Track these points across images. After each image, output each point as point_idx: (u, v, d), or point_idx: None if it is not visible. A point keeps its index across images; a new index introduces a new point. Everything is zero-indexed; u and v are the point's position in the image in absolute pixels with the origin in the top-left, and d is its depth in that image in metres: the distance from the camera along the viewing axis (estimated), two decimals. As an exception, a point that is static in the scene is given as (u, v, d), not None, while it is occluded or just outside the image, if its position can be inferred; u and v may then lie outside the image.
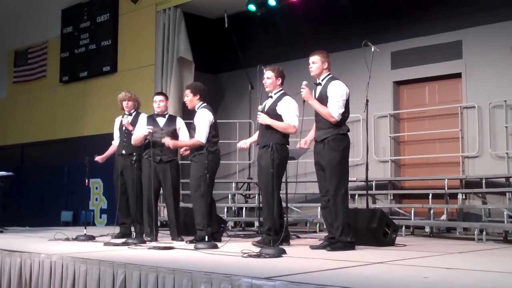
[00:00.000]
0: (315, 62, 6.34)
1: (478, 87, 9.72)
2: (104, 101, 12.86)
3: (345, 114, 6.25)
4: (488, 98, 9.51)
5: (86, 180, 8.05)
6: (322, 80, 6.33)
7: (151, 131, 7.46)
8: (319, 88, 6.34)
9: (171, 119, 7.85)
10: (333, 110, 6.11)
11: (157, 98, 7.83)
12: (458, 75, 10.01)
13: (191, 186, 7.23)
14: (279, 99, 6.77)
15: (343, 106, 6.18)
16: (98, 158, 8.30)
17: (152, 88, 11.82)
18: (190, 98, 7.42)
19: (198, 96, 7.40)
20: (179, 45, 11.86)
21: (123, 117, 8.13)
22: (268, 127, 6.67)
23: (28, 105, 15.28)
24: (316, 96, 6.30)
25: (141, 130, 7.62)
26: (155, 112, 7.79)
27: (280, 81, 6.85)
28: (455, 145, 9.93)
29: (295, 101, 6.76)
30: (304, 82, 6.25)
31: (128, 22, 12.96)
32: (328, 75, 6.35)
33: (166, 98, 7.98)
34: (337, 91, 6.17)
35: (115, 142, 8.30)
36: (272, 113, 6.71)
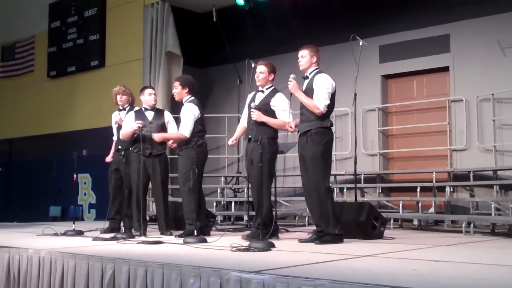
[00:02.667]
0: (304, 56, 6.34)
1: (465, 80, 9.76)
2: (92, 96, 12.81)
3: (330, 108, 6.24)
4: (476, 91, 9.56)
5: (75, 175, 8.02)
6: (310, 74, 6.33)
7: (141, 125, 7.42)
8: (306, 82, 6.34)
9: (159, 113, 7.82)
10: (319, 102, 6.10)
11: (152, 91, 7.81)
12: (445, 69, 10.06)
13: (180, 181, 7.21)
14: (271, 94, 6.79)
15: (329, 98, 6.16)
16: (107, 159, 8.26)
17: (141, 83, 11.78)
18: (178, 91, 7.38)
19: (187, 89, 7.35)
20: (167, 39, 11.82)
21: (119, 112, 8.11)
22: (261, 123, 6.68)
23: (15, 100, 15.19)
24: (303, 90, 6.28)
25: (129, 125, 7.58)
26: (147, 106, 7.74)
27: (272, 76, 6.88)
28: (443, 138, 9.98)
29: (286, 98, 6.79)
30: (292, 75, 6.24)
31: (116, 17, 12.90)
32: (316, 69, 6.34)
33: None
34: (323, 84, 6.16)
35: (115, 137, 8.26)
36: (265, 108, 6.72)
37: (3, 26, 15.55)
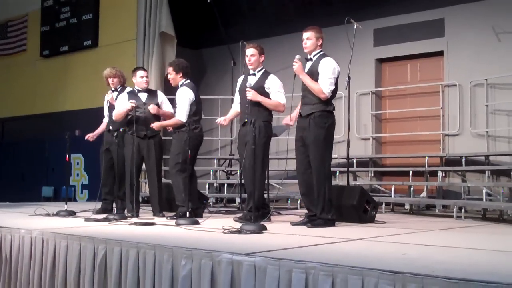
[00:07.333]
0: (310, 38, 6.25)
1: (459, 65, 9.77)
2: (85, 76, 12.75)
3: (334, 92, 6.22)
4: (469, 76, 9.57)
5: (67, 156, 7.99)
6: (314, 56, 6.27)
7: (134, 105, 7.37)
8: (309, 64, 6.28)
9: (153, 94, 7.77)
10: (325, 86, 6.07)
11: (143, 73, 7.69)
12: (440, 53, 10.06)
13: (170, 163, 7.22)
14: (265, 76, 6.78)
15: (334, 83, 6.16)
16: (89, 136, 8.21)
17: (134, 63, 11.72)
18: (173, 76, 7.35)
19: (181, 74, 7.32)
20: (161, 19, 11.74)
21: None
22: (256, 104, 6.66)
23: (8, 80, 15.09)
24: (306, 72, 6.23)
25: (123, 105, 7.53)
26: (139, 88, 7.68)
27: (263, 58, 6.87)
28: (436, 123, 10.00)
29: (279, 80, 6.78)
30: (297, 56, 6.17)
31: (109, -4, 12.81)
32: (320, 51, 6.29)
33: None
34: (329, 68, 6.13)
35: (106, 119, 8.21)
36: (259, 90, 6.71)
37: (-5, 4, 15.43)
